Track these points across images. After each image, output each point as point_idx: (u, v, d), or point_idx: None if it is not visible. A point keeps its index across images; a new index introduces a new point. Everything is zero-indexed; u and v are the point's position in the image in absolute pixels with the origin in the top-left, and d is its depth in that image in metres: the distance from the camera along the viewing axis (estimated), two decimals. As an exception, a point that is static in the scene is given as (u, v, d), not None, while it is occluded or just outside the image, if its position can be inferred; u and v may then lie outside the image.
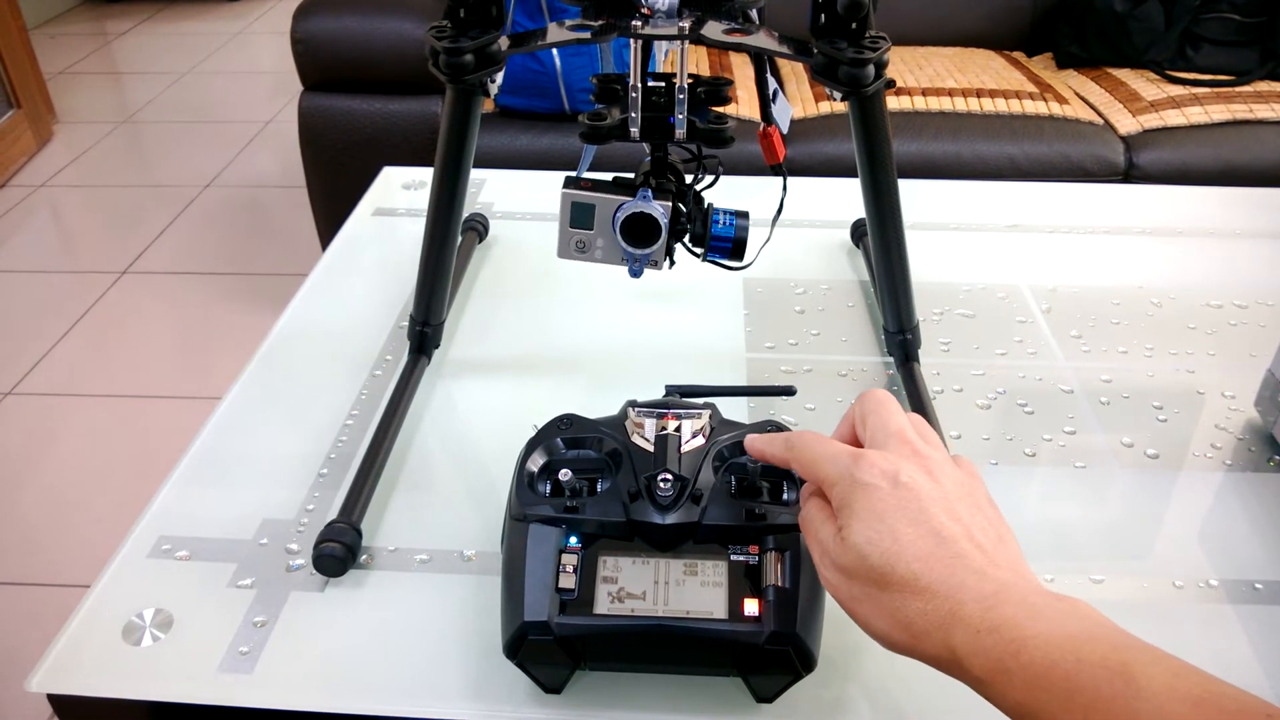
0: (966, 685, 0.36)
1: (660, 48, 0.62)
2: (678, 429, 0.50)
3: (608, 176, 0.60)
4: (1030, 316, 0.80)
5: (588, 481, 0.49)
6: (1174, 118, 1.72)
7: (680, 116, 0.56)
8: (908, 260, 0.68)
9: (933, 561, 0.37)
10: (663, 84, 0.57)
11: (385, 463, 0.62)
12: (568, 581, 0.46)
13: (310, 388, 0.71)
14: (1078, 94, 1.84)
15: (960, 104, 1.75)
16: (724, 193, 0.62)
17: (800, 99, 1.83)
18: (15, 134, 2.77)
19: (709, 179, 0.61)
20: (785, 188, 0.66)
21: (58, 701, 0.50)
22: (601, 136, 0.57)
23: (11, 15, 2.73)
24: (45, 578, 1.52)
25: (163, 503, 0.61)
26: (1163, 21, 1.83)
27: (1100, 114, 1.77)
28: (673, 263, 0.60)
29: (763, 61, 0.69)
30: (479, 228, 0.89)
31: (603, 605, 0.45)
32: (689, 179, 0.60)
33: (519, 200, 0.97)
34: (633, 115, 0.56)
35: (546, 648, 0.45)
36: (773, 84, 0.68)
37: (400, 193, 0.99)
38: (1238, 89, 1.77)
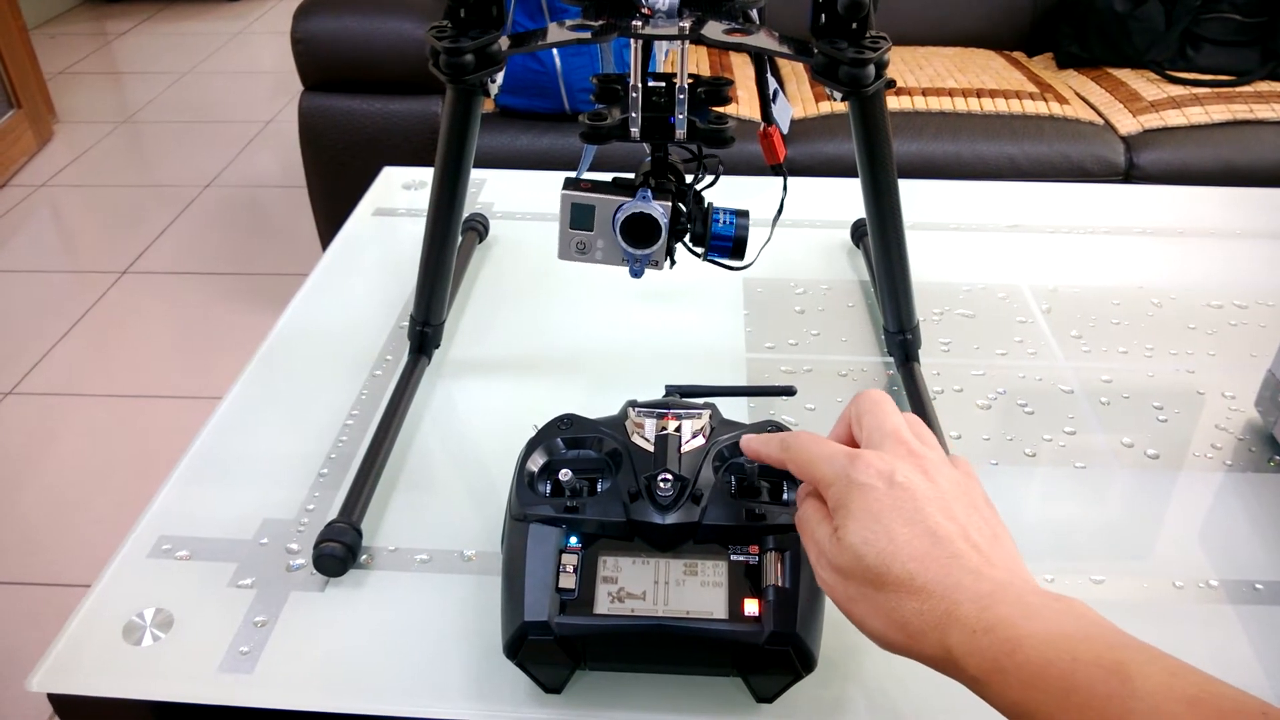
0: (963, 685, 0.36)
1: (660, 48, 0.62)
2: (678, 429, 0.50)
3: (607, 177, 0.60)
4: (1030, 317, 0.80)
5: (588, 481, 0.49)
6: (1174, 118, 1.72)
7: (680, 116, 0.56)
8: (908, 260, 0.68)
9: (928, 561, 0.37)
10: (663, 84, 0.57)
11: (385, 463, 0.62)
12: (568, 581, 0.46)
13: (310, 388, 0.71)
14: (1078, 94, 1.84)
15: (960, 104, 1.75)
16: (724, 193, 0.62)
17: (800, 99, 1.83)
18: (16, 134, 2.77)
19: (709, 179, 0.61)
20: (785, 188, 0.66)
21: (58, 701, 0.50)
22: (602, 137, 0.57)
23: (12, 15, 2.73)
24: (45, 577, 1.52)
25: (163, 502, 0.61)
26: (1163, 21, 1.84)
27: (1100, 114, 1.77)
28: (673, 263, 0.60)
29: (763, 61, 0.69)
30: (479, 228, 0.89)
31: (603, 605, 0.45)
32: (689, 179, 0.60)
33: (519, 200, 0.97)
34: (633, 115, 0.56)
35: (547, 648, 0.45)
36: (773, 84, 0.68)
37: (400, 193, 0.99)
38: (1238, 89, 1.78)
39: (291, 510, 0.60)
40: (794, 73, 1.98)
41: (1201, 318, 0.80)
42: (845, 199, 0.96)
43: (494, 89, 0.59)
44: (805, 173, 1.57)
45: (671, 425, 0.50)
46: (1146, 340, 0.77)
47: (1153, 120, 1.72)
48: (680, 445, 0.49)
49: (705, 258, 0.61)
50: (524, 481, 0.50)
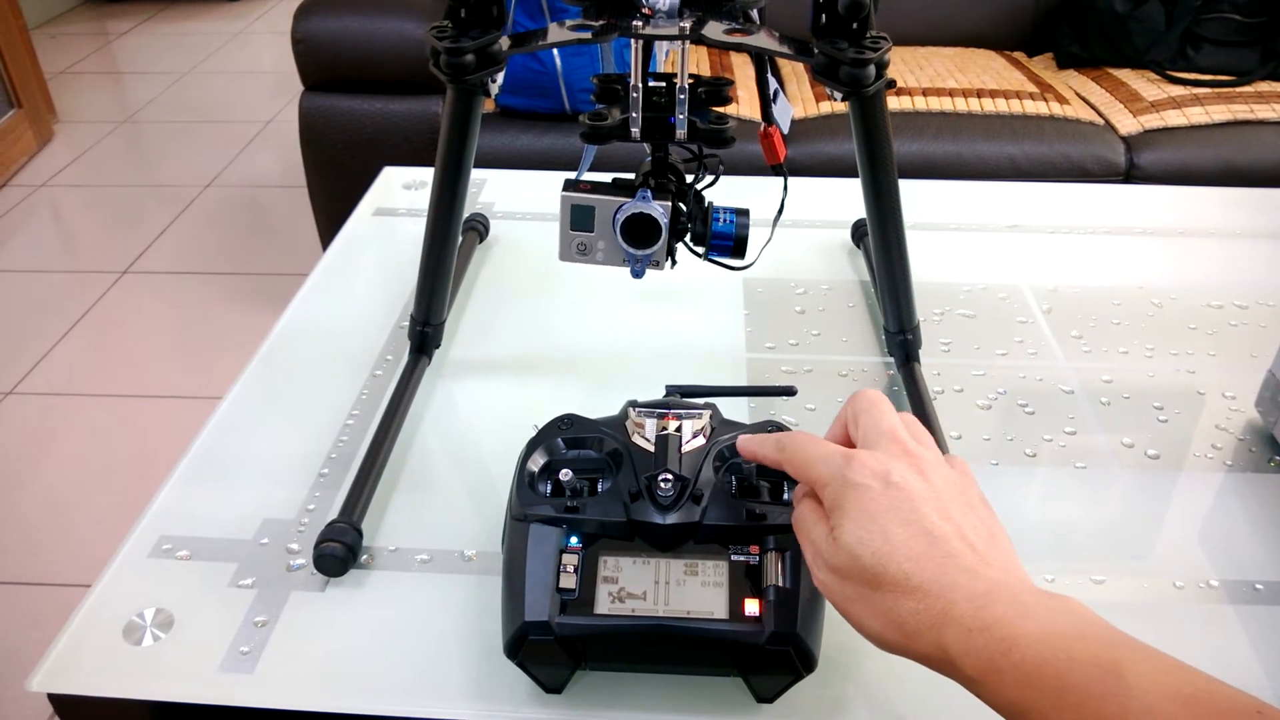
0: (959, 684, 0.36)
1: (661, 48, 0.62)
2: (678, 429, 0.50)
3: (607, 178, 0.60)
4: (1031, 317, 0.80)
5: (588, 481, 0.49)
6: (1175, 118, 1.72)
7: (681, 117, 0.56)
8: (908, 260, 0.68)
9: (924, 561, 0.37)
10: (663, 84, 0.57)
11: (386, 463, 0.62)
12: (568, 581, 0.46)
13: (311, 388, 0.71)
14: (1078, 94, 1.84)
15: (961, 104, 1.75)
16: (725, 193, 0.62)
17: (801, 99, 1.84)
18: (16, 134, 2.77)
19: (709, 178, 0.61)
20: (786, 188, 0.66)
21: (59, 701, 0.50)
22: (602, 137, 0.57)
23: (12, 15, 2.73)
24: (45, 577, 1.52)
25: (163, 502, 0.61)
26: (1163, 22, 1.84)
27: (1101, 114, 1.77)
28: (674, 262, 0.60)
29: (763, 61, 0.69)
30: (479, 228, 0.89)
31: (603, 605, 0.45)
32: (690, 178, 0.60)
33: (519, 200, 0.97)
34: (633, 115, 0.56)
35: (547, 648, 0.45)
36: (773, 84, 0.68)
37: (401, 193, 0.99)
38: (1238, 89, 1.78)
39: (292, 510, 0.60)
40: (794, 73, 1.98)
41: (1202, 318, 0.80)
42: (846, 199, 0.96)
43: (494, 89, 0.59)
44: (806, 173, 1.57)
45: (672, 425, 0.50)
46: (1147, 340, 0.77)
47: (1153, 120, 1.72)
48: (681, 445, 0.49)
49: (706, 257, 0.61)
50: (524, 481, 0.50)
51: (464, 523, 0.60)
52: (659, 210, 0.57)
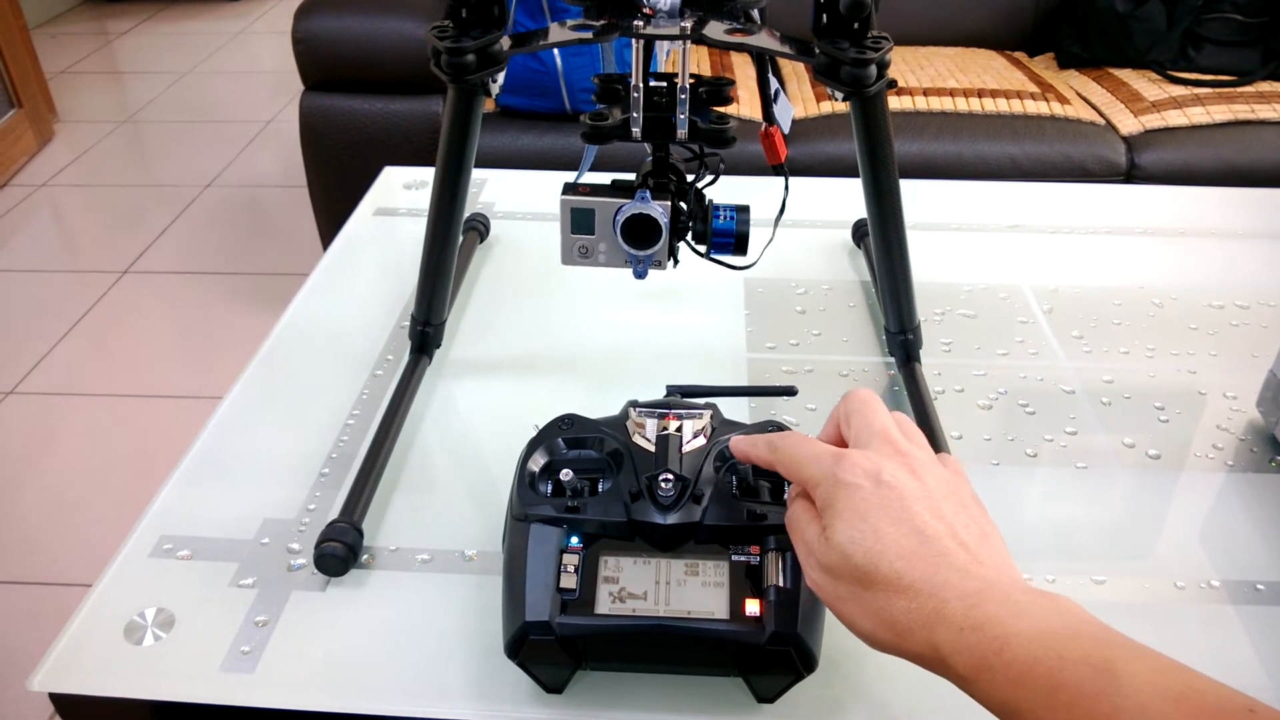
0: (952, 683, 0.36)
1: (662, 48, 0.62)
2: (679, 429, 0.50)
3: (606, 179, 0.60)
4: (1032, 317, 0.80)
5: (589, 481, 0.49)
6: (1175, 118, 1.72)
7: (682, 116, 0.56)
8: (909, 260, 0.68)
9: (916, 560, 0.37)
10: (664, 84, 0.57)
11: (386, 462, 0.62)
12: (569, 581, 0.46)
13: (311, 387, 0.71)
14: (1079, 94, 1.84)
15: (962, 104, 1.75)
16: (725, 193, 0.62)
17: (801, 99, 1.83)
18: (16, 133, 2.77)
19: (710, 177, 0.61)
20: (787, 187, 0.66)
21: (60, 701, 0.50)
22: (603, 137, 0.57)
23: (13, 15, 2.73)
24: (46, 577, 1.52)
25: (164, 502, 0.61)
26: (1164, 21, 1.83)
27: (1102, 114, 1.77)
28: (676, 261, 0.60)
29: (764, 61, 0.69)
30: (480, 228, 0.89)
31: (604, 605, 0.45)
32: (690, 177, 0.60)
33: (520, 200, 0.97)
34: (634, 115, 0.56)
35: (548, 648, 0.45)
36: (774, 84, 0.68)
37: (401, 192, 0.99)
38: (1239, 89, 1.78)
39: (292, 510, 0.60)
40: (795, 72, 1.98)
41: (1203, 318, 0.80)
42: (846, 199, 0.96)
43: (495, 89, 0.59)
44: (806, 173, 1.57)
45: (673, 425, 0.50)
46: (1148, 340, 0.77)
47: (1154, 120, 1.72)
48: (681, 445, 0.49)
49: (708, 255, 0.61)
50: (525, 481, 0.50)
51: (465, 523, 0.60)
52: (659, 210, 0.57)
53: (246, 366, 0.73)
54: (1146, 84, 1.82)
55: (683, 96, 0.55)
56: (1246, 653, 0.52)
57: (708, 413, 0.52)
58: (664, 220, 0.57)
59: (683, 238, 0.60)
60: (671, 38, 0.55)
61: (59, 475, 1.72)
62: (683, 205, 0.59)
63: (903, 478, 0.39)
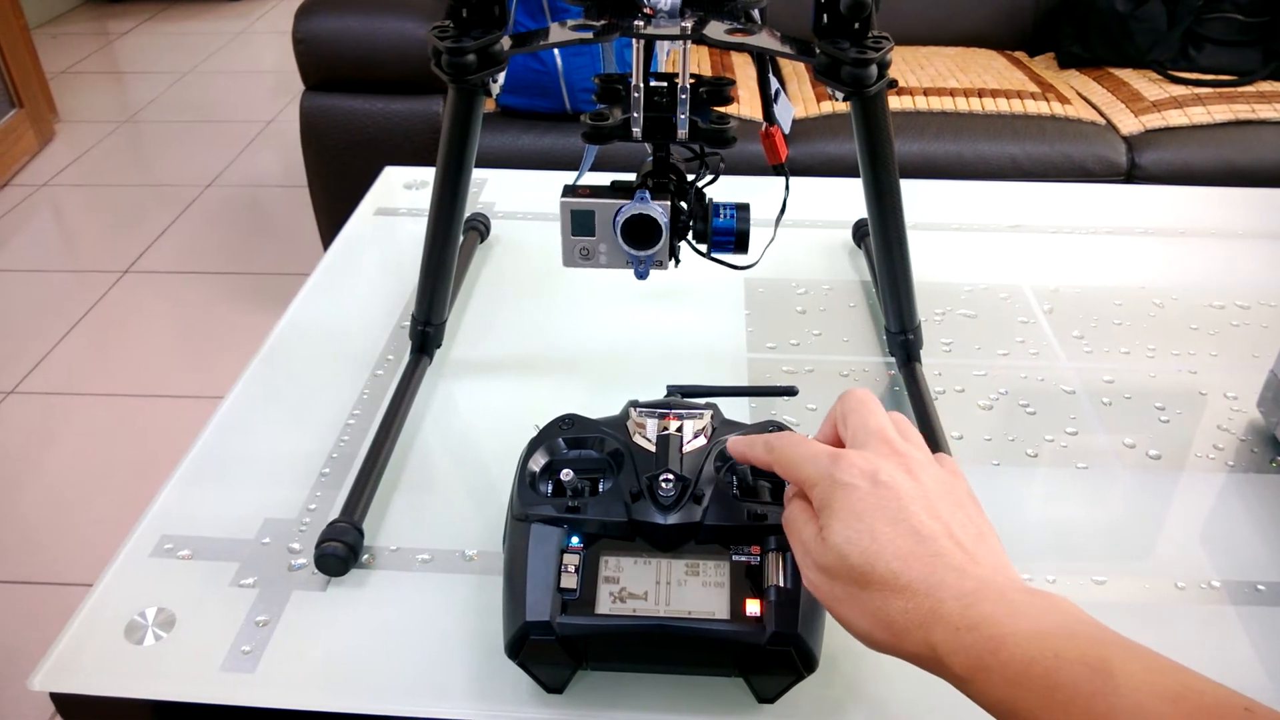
0: (949, 683, 0.36)
1: (662, 48, 0.62)
2: (679, 429, 0.50)
3: (605, 180, 0.60)
4: (1032, 317, 0.80)
5: (589, 481, 0.49)
6: (1176, 118, 1.72)
7: (682, 116, 0.56)
8: (909, 260, 0.68)
9: (912, 560, 0.37)
10: (665, 84, 0.57)
11: (387, 462, 0.62)
12: (569, 581, 0.46)
13: (312, 387, 0.71)
14: (1080, 94, 1.84)
15: (962, 104, 1.75)
16: (726, 193, 0.62)
17: (802, 99, 1.83)
18: (17, 133, 2.77)
19: (710, 176, 0.61)
20: (788, 187, 0.66)
21: (60, 700, 0.50)
22: (604, 137, 0.57)
23: (14, 15, 2.73)
24: (46, 577, 1.52)
25: (165, 502, 0.61)
26: (1165, 21, 1.83)
27: (1102, 114, 1.77)
28: (678, 261, 0.60)
29: (765, 61, 0.69)
30: (480, 227, 0.89)
31: (604, 605, 0.45)
32: (690, 177, 0.60)
33: (520, 200, 0.97)
34: (635, 115, 0.56)
35: (548, 648, 0.45)
36: (775, 84, 0.68)
37: (402, 192, 0.99)
38: (1240, 89, 1.77)
39: (293, 510, 0.60)
40: (795, 72, 1.98)
41: (1203, 318, 0.80)
42: (847, 199, 0.96)
43: (495, 89, 0.59)
44: (806, 172, 1.57)
45: (673, 425, 0.50)
46: (1148, 341, 0.77)
47: (1154, 120, 1.72)
48: (682, 445, 0.49)
49: (710, 254, 0.61)
50: (525, 481, 0.50)
51: (465, 522, 0.60)
52: (659, 210, 0.57)
53: (247, 366, 0.73)
54: (1147, 84, 1.82)
55: (683, 96, 0.55)
56: (1247, 653, 0.52)
57: (708, 413, 0.52)
58: (664, 220, 0.57)
59: (683, 237, 0.60)
60: (672, 38, 0.55)
61: (59, 475, 1.72)
62: (683, 205, 0.59)
63: (899, 478, 0.39)
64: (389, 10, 1.66)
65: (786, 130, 0.67)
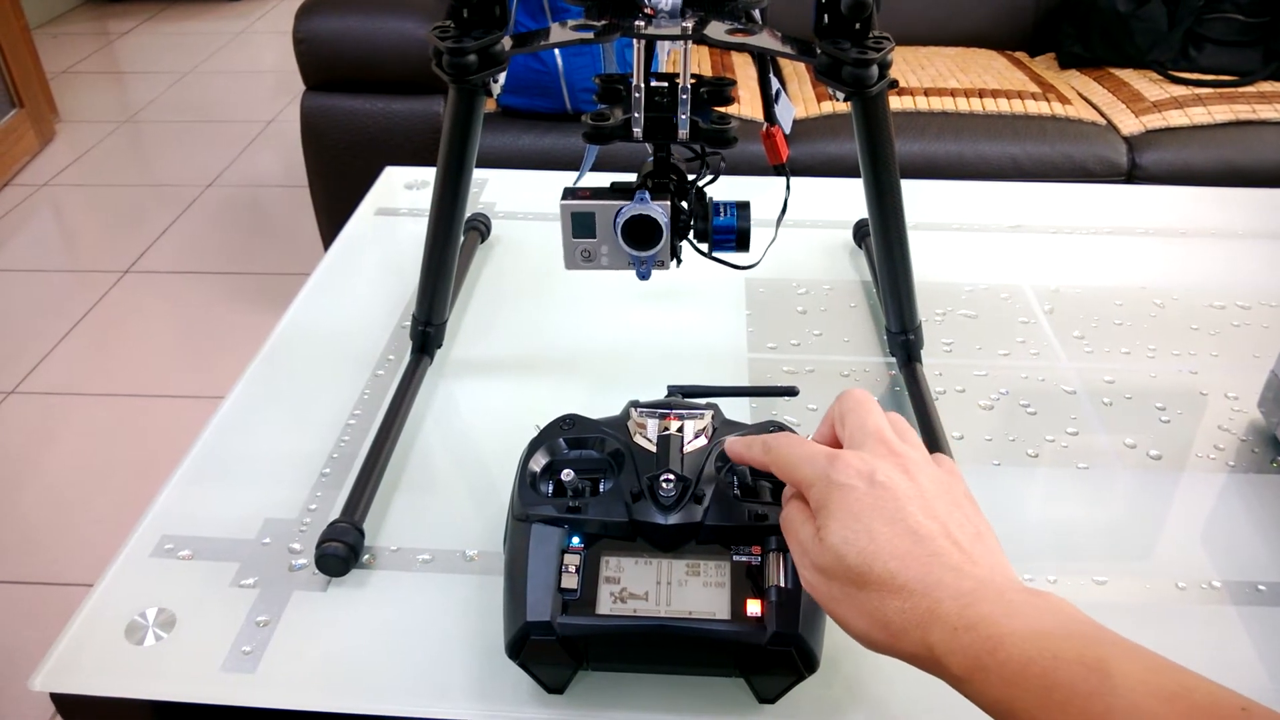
0: (946, 683, 0.36)
1: (663, 48, 0.62)
2: (680, 429, 0.50)
3: (605, 182, 0.60)
4: (1033, 317, 0.80)
5: (590, 482, 0.49)
6: (1177, 118, 1.72)
7: (683, 116, 0.56)
8: (910, 260, 0.68)
9: (909, 560, 0.37)
10: (666, 84, 0.57)
11: (388, 462, 0.62)
12: (570, 582, 0.46)
13: (313, 387, 0.71)
14: (1080, 94, 1.84)
15: (963, 104, 1.74)
16: (727, 193, 0.62)
17: (802, 99, 1.83)
18: (18, 133, 2.77)
19: (710, 176, 0.61)
20: (789, 187, 0.66)
21: (61, 700, 0.50)
22: (605, 137, 0.57)
23: (14, 15, 2.73)
24: (46, 577, 1.52)
25: (165, 502, 0.61)
26: (1166, 22, 1.83)
27: (1103, 114, 1.77)
28: (679, 261, 0.60)
29: (765, 62, 0.69)
30: (481, 228, 0.89)
31: (605, 605, 0.45)
32: (691, 176, 0.60)
33: (521, 200, 0.97)
34: (636, 115, 0.56)
35: (549, 648, 0.45)
36: (775, 84, 0.68)
37: (402, 192, 0.99)
38: (1241, 89, 1.77)
39: (294, 510, 0.60)
40: (795, 72, 1.98)
41: (1204, 318, 0.80)
42: (847, 199, 0.96)
43: (496, 89, 0.59)
44: (807, 173, 1.57)
45: (674, 425, 0.50)
46: (1149, 341, 0.77)
47: (1155, 120, 1.72)
48: (683, 445, 0.49)
49: (711, 254, 0.61)
50: (526, 481, 0.50)
51: (466, 523, 0.60)
52: (659, 210, 0.57)
53: (248, 366, 0.73)
54: (1148, 84, 1.82)
55: (684, 97, 0.55)
56: (1248, 653, 0.52)
57: (709, 413, 0.52)
58: (664, 220, 0.57)
59: (684, 237, 0.60)
60: (673, 38, 0.55)
61: (60, 475, 1.72)
62: (683, 204, 0.59)
63: (896, 478, 0.39)
64: (389, 10, 1.66)
65: (787, 130, 0.67)
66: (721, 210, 0.59)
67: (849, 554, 0.38)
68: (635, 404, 0.53)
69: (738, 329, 0.78)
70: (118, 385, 1.93)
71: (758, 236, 0.61)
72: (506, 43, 0.57)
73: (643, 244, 0.58)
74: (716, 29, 0.56)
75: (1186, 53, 1.84)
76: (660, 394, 0.56)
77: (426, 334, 0.71)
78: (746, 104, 1.74)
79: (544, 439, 0.52)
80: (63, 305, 2.17)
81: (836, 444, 0.44)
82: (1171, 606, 0.55)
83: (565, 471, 0.48)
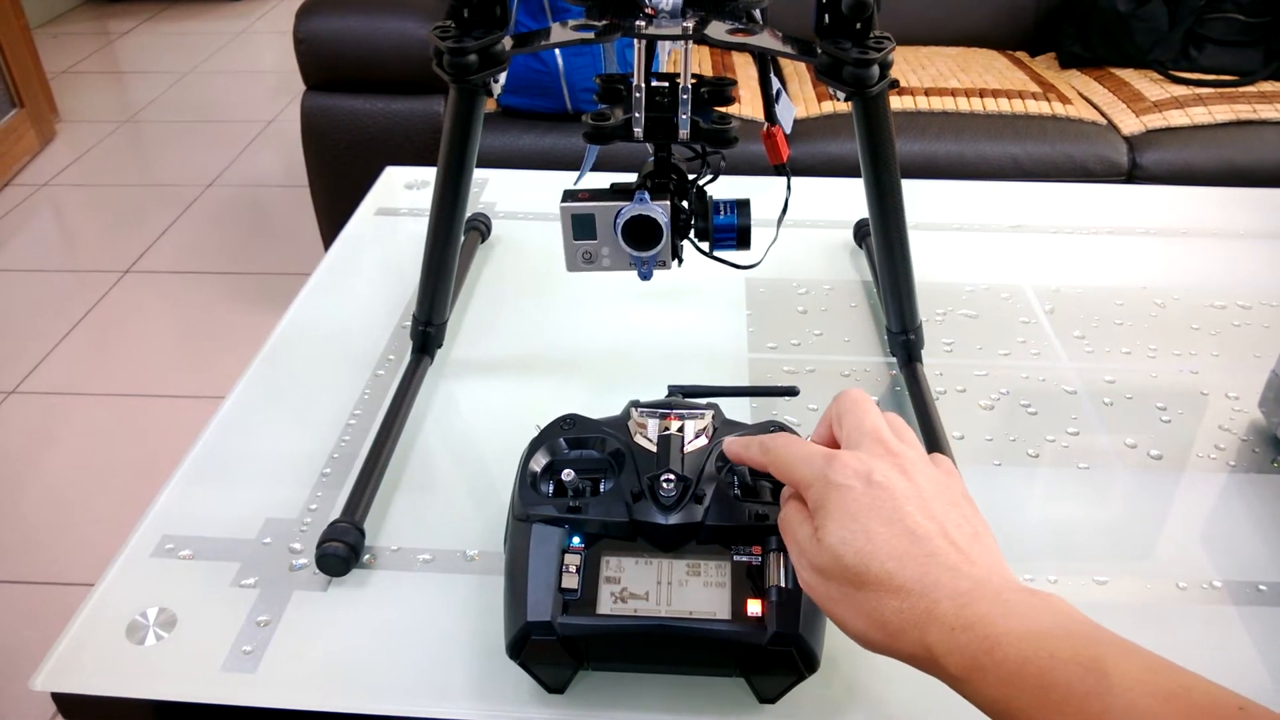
0: (944, 683, 0.36)
1: (663, 48, 0.62)
2: (680, 429, 0.50)
3: (604, 183, 0.60)
4: (1033, 317, 0.80)
5: (590, 482, 0.49)
6: (1177, 118, 1.72)
7: (684, 116, 0.56)
8: (911, 260, 0.68)
9: (907, 560, 0.37)
10: (666, 84, 0.57)
11: (388, 462, 0.62)
12: (571, 582, 0.46)
13: (313, 387, 0.71)
14: (1081, 94, 1.84)
15: (963, 104, 1.74)
16: (727, 193, 0.62)
17: (803, 99, 1.83)
18: (18, 133, 2.77)
19: (710, 175, 0.61)
20: (790, 187, 0.66)
21: (62, 700, 0.50)
22: (605, 137, 0.57)
23: (14, 14, 2.73)
24: (46, 577, 1.52)
25: (166, 502, 0.61)
26: (1166, 21, 1.83)
27: (1103, 114, 1.77)
28: (681, 260, 0.60)
29: (766, 62, 0.69)
30: (481, 228, 0.89)
31: (606, 605, 0.45)
32: (691, 176, 0.60)
33: (521, 200, 0.97)
34: (636, 115, 0.56)
35: (549, 648, 0.45)
36: (776, 84, 0.68)
37: (403, 192, 0.99)
38: (1241, 89, 1.77)
39: (294, 510, 0.60)
40: (796, 72, 1.98)
41: (1205, 318, 0.80)
42: (848, 199, 0.96)
43: (497, 89, 0.59)
44: (808, 172, 1.57)
45: (674, 425, 0.50)
46: (1150, 341, 0.77)
47: (1156, 120, 1.72)
48: (683, 445, 0.49)
49: (711, 254, 0.61)
50: (527, 481, 0.50)
51: (466, 523, 0.60)
52: (659, 210, 0.57)
53: (248, 366, 0.73)
54: (1148, 84, 1.82)
55: (685, 96, 0.55)
56: (1248, 653, 0.52)
57: (709, 413, 0.52)
58: (664, 220, 0.57)
59: (685, 236, 0.60)
60: (674, 38, 0.55)
61: (60, 475, 1.72)
62: (683, 204, 0.59)
63: (894, 478, 0.39)
64: (390, 10, 1.66)
65: (788, 130, 0.67)
66: (721, 209, 0.59)
67: (846, 554, 0.38)
68: (636, 404, 0.53)
69: (738, 329, 0.78)
70: (118, 385, 1.93)
71: (758, 236, 0.61)
72: (507, 43, 0.57)
73: (643, 244, 0.58)
74: (717, 29, 0.56)
75: (1187, 52, 1.84)
76: (660, 394, 0.56)
77: (427, 334, 0.71)
78: (747, 104, 1.74)
79: (544, 439, 0.52)
80: (63, 305, 2.17)
81: (834, 444, 0.44)
82: (1172, 606, 0.55)
83: (566, 471, 0.48)
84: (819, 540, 0.39)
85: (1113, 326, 0.78)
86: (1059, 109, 1.73)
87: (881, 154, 0.61)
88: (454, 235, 0.66)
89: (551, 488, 0.49)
